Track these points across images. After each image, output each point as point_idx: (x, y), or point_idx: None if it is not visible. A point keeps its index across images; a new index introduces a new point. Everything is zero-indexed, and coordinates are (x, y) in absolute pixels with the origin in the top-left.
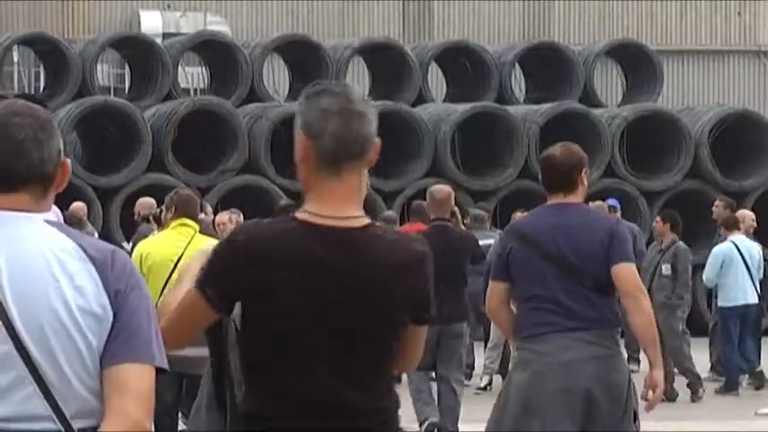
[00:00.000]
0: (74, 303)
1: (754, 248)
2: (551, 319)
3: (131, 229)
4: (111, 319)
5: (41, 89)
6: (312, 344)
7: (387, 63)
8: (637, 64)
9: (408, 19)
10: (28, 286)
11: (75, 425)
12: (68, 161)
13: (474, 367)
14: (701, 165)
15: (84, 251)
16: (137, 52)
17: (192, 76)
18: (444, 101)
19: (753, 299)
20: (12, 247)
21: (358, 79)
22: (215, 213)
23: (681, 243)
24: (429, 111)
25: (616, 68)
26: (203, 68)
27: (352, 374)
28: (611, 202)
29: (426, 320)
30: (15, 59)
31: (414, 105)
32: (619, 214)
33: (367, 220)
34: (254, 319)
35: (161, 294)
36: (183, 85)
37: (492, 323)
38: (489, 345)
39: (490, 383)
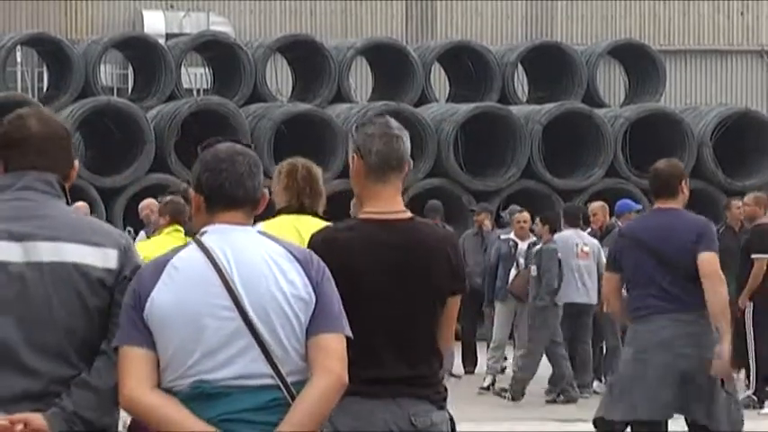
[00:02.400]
0: (288, 292)
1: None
2: (653, 302)
3: (134, 228)
4: (314, 302)
5: (44, 89)
6: (386, 314)
7: (389, 63)
8: (639, 64)
9: (411, 19)
10: (253, 280)
11: (289, 379)
12: (267, 192)
13: (476, 365)
14: (703, 164)
15: (291, 254)
16: (140, 53)
17: (195, 76)
18: (447, 101)
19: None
20: (237, 251)
21: (361, 79)
22: None
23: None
24: (432, 111)
25: (619, 68)
26: (206, 69)
27: (410, 342)
28: (628, 204)
29: (461, 290)
30: (18, 60)
31: (416, 106)
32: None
33: (410, 214)
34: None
35: None
36: (186, 85)
37: (495, 323)
38: (492, 345)
39: (493, 383)
